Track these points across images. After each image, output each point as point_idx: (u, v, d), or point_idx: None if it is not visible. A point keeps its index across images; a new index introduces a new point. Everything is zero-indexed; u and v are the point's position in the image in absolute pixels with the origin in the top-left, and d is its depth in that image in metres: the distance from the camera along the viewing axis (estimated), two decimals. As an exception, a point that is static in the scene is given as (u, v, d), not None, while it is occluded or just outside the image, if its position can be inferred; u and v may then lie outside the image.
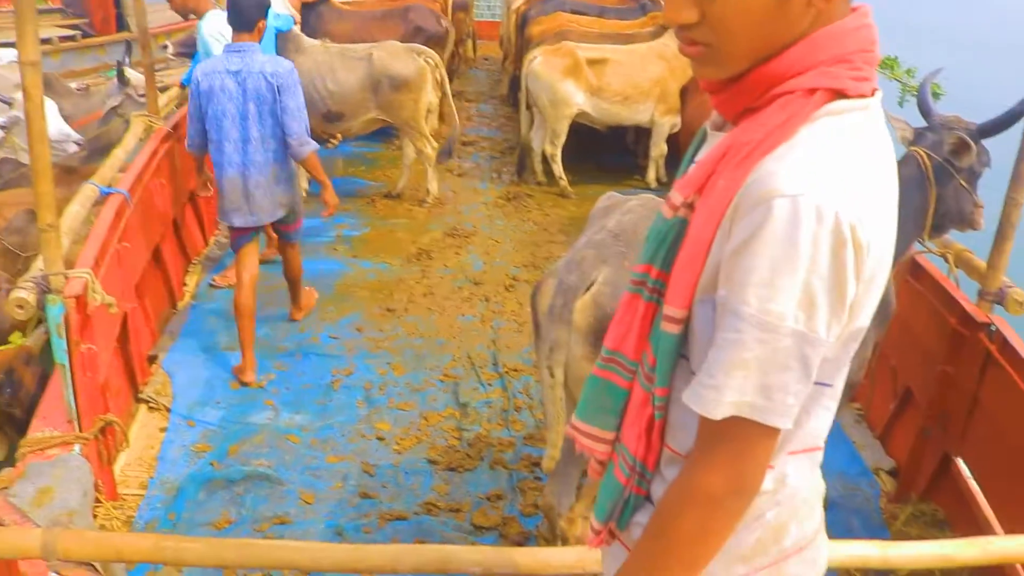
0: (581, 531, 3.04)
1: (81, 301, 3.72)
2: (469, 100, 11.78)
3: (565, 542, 3.10)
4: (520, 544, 3.79)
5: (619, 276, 2.87)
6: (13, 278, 4.49)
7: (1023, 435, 3.41)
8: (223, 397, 4.82)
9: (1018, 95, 3.52)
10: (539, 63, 7.92)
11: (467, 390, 4.96)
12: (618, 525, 1.55)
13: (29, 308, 3.63)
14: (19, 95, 6.61)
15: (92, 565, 2.68)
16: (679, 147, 8.02)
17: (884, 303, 3.36)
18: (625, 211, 3.11)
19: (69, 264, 3.83)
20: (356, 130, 7.85)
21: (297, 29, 7.41)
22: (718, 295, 1.27)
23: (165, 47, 7.65)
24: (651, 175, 8.45)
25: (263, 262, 5.79)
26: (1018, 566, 3.25)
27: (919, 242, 3.86)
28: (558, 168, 8.17)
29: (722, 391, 1.24)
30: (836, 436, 4.35)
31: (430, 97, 7.50)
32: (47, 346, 3.86)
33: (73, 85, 8.80)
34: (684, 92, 7.88)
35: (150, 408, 4.72)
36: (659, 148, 8.31)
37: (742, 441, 1.28)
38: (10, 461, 3.68)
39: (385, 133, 8.88)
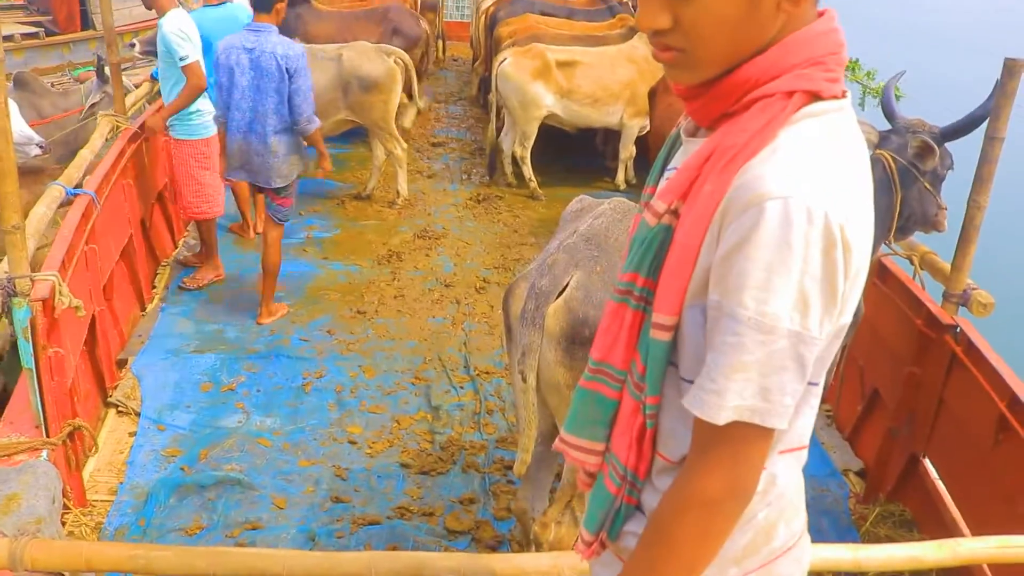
0: (554, 536, 3.04)
1: (48, 304, 3.67)
2: (438, 101, 11.75)
3: (539, 547, 3.11)
4: (493, 548, 3.80)
5: (591, 280, 2.88)
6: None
7: (988, 435, 3.46)
8: (193, 400, 4.77)
9: (975, 92, 3.58)
10: (509, 64, 7.92)
11: (439, 393, 4.95)
12: (609, 535, 1.55)
13: (-6, 312, 3.58)
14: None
15: (61, 575, 2.65)
16: (648, 149, 8.06)
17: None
18: (597, 215, 3.11)
19: (35, 267, 3.78)
20: (326, 131, 7.77)
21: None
22: (710, 300, 1.28)
23: (132, 45, 7.58)
24: (620, 177, 8.48)
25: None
26: (985, 566, 3.31)
27: (885, 244, 3.92)
28: (528, 170, 8.18)
29: (724, 395, 1.25)
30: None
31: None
32: (13, 351, 3.80)
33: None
34: (652, 94, 7.92)
35: (119, 412, 4.67)
36: (628, 150, 8.35)
37: (740, 444, 1.29)
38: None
39: (355, 134, 8.84)
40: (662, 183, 1.49)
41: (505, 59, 7.99)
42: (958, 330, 3.79)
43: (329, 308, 5.89)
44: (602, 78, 7.97)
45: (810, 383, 1.34)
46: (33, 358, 3.54)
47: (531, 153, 8.18)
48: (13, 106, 5.89)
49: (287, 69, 5.13)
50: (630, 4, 10.76)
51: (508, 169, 8.42)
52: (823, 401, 4.68)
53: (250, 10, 5.47)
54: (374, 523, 3.91)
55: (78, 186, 4.95)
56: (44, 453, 3.48)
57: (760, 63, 1.31)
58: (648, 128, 8.12)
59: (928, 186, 3.73)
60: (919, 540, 3.56)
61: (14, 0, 14.57)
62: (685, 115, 1.49)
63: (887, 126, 3.92)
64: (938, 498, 3.83)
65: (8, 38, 11.72)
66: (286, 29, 8.13)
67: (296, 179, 5.53)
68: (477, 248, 7.03)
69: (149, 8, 5.82)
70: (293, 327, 5.62)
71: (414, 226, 7.33)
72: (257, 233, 6.75)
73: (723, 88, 1.34)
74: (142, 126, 6.24)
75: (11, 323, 3.61)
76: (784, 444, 1.40)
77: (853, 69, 18.62)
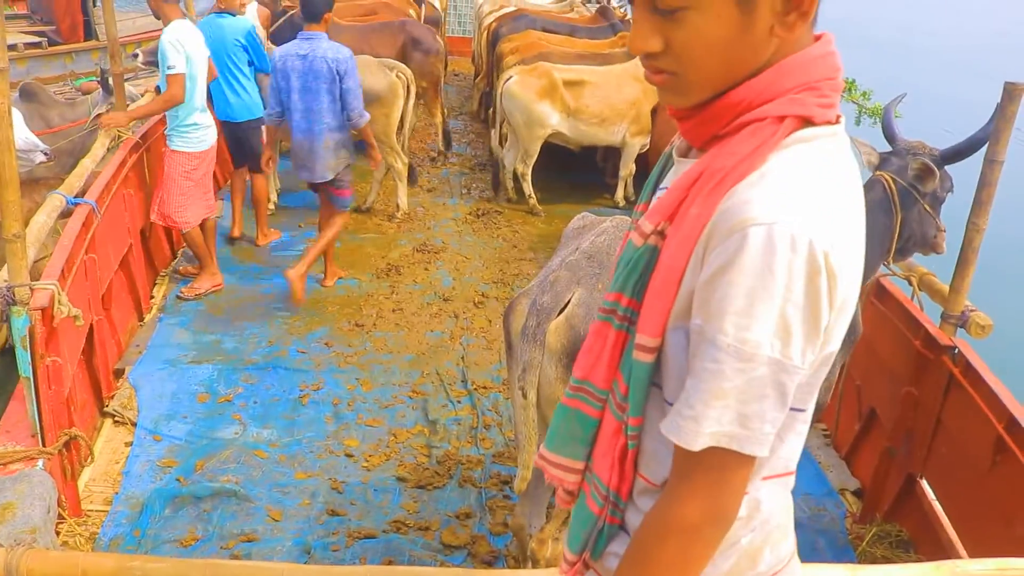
0: (551, 552, 3.04)
1: (47, 313, 3.67)
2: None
3: (536, 564, 3.10)
4: (489, 563, 3.78)
5: (592, 298, 2.88)
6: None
7: (985, 457, 3.46)
8: (190, 411, 4.76)
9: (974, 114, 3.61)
10: (515, 83, 7.94)
11: (436, 407, 4.95)
12: (592, 555, 1.54)
13: (-7, 320, 3.58)
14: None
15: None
16: (648, 166, 8.08)
17: (851, 326, 3.39)
18: (599, 232, 3.12)
19: (35, 276, 3.78)
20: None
21: (269, 43, 7.40)
22: (692, 323, 1.27)
23: (135, 56, 7.60)
24: (620, 194, 8.50)
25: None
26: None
27: (884, 265, 3.93)
28: (528, 186, 8.20)
29: (701, 422, 1.24)
30: (802, 457, 4.35)
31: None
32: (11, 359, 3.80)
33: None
34: (653, 112, 7.95)
35: (116, 422, 4.66)
36: (628, 168, 8.37)
37: (719, 471, 1.28)
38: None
39: (355, 147, 8.85)
40: (652, 203, 1.49)
41: (511, 77, 8.00)
42: (956, 351, 3.80)
43: (327, 320, 5.89)
44: (609, 97, 8.00)
45: (796, 409, 1.34)
46: (31, 367, 3.54)
47: (531, 169, 8.19)
48: (17, 114, 5.91)
49: (337, 71, 5.65)
50: (631, 22, 10.81)
51: (509, 184, 8.44)
52: (820, 420, 4.73)
53: (255, 22, 5.58)
54: (370, 537, 3.90)
55: (79, 195, 4.95)
56: (40, 462, 3.47)
57: (753, 86, 1.30)
58: (648, 145, 8.15)
59: (928, 208, 3.74)
60: (916, 561, 3.58)
61: (18, 10, 14.60)
62: (678, 135, 1.49)
63: (887, 147, 3.94)
64: (935, 519, 3.82)
65: (11, 47, 11.73)
66: (288, 37, 8.21)
67: (349, 170, 6.09)
68: (476, 263, 7.04)
69: (158, 18, 5.85)
70: (291, 338, 5.62)
71: (413, 240, 7.34)
72: (243, 235, 6.98)
73: (715, 110, 1.33)
74: (144, 135, 6.27)
75: (10, 332, 3.61)
76: (768, 470, 1.39)
77: (849, 89, 18.73)
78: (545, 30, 9.79)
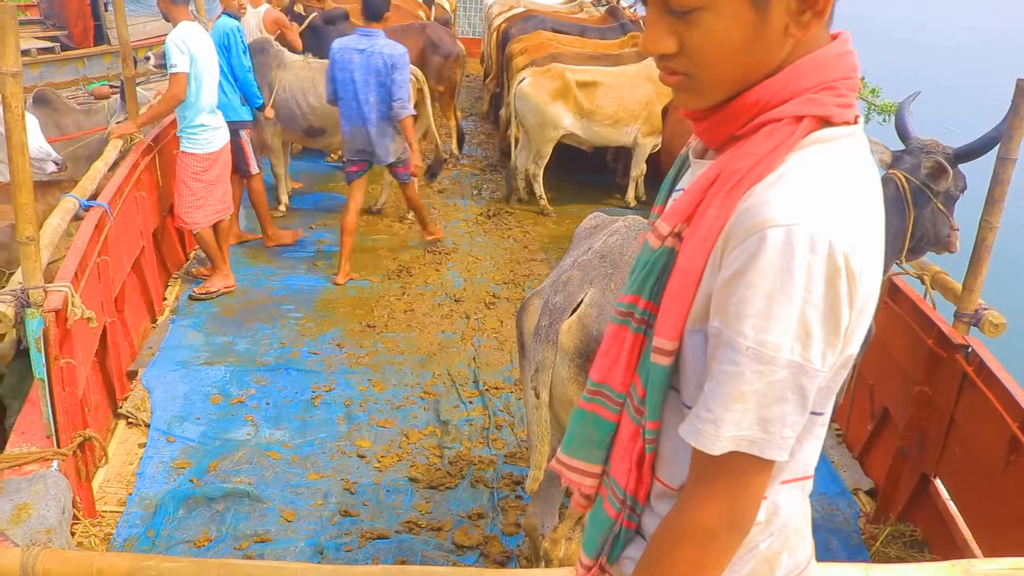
0: (565, 552, 3.04)
1: (61, 315, 3.69)
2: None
3: (548, 563, 3.10)
4: (502, 564, 3.79)
5: (605, 298, 2.88)
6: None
7: (999, 456, 3.45)
8: (203, 412, 4.78)
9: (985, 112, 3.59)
10: (528, 84, 7.93)
11: (448, 408, 4.95)
12: (608, 559, 1.53)
13: (7, 322, 3.59)
14: (-1, 110, 6.58)
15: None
16: (658, 166, 8.07)
17: None
18: (611, 232, 3.12)
19: (49, 277, 3.80)
20: (338, 145, 7.85)
21: (279, 45, 7.43)
22: (711, 326, 1.26)
23: (147, 58, 7.63)
24: (630, 194, 8.49)
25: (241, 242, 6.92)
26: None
27: (896, 263, 3.91)
28: (539, 187, 8.19)
29: (720, 425, 1.23)
30: (815, 456, 4.38)
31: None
32: (25, 361, 3.81)
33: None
34: (665, 112, 7.94)
35: (129, 424, 4.68)
36: (639, 168, 8.36)
37: (738, 475, 1.26)
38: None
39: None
40: (669, 204, 1.48)
41: (524, 79, 8.00)
42: (969, 350, 3.78)
43: (339, 322, 5.90)
44: (622, 98, 7.99)
45: (815, 413, 1.32)
46: (45, 368, 3.55)
47: (543, 170, 8.19)
48: (33, 121, 5.94)
49: (392, 65, 6.12)
50: (641, 22, 10.81)
51: (520, 185, 8.44)
52: (833, 420, 4.70)
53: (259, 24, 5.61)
54: (382, 537, 3.91)
55: (92, 198, 4.98)
56: (55, 463, 3.48)
57: (769, 86, 1.29)
58: (660, 146, 8.14)
59: (941, 206, 3.72)
60: (930, 561, 3.56)
61: (31, 15, 14.69)
62: (695, 135, 1.47)
63: (900, 145, 3.93)
64: (949, 519, 3.81)
65: (25, 52, 11.80)
66: (326, 44, 8.30)
67: (406, 150, 6.43)
68: (487, 263, 7.04)
69: (167, 20, 5.88)
70: (303, 340, 5.63)
71: (424, 241, 7.34)
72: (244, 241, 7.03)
73: (731, 111, 1.32)
74: (156, 138, 6.31)
75: (24, 333, 3.62)
76: (787, 474, 1.37)
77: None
78: (555, 31, 9.79)
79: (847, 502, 4.35)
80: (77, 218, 4.74)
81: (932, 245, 3.87)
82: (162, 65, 7.21)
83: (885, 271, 3.88)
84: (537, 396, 2.99)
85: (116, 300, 5.02)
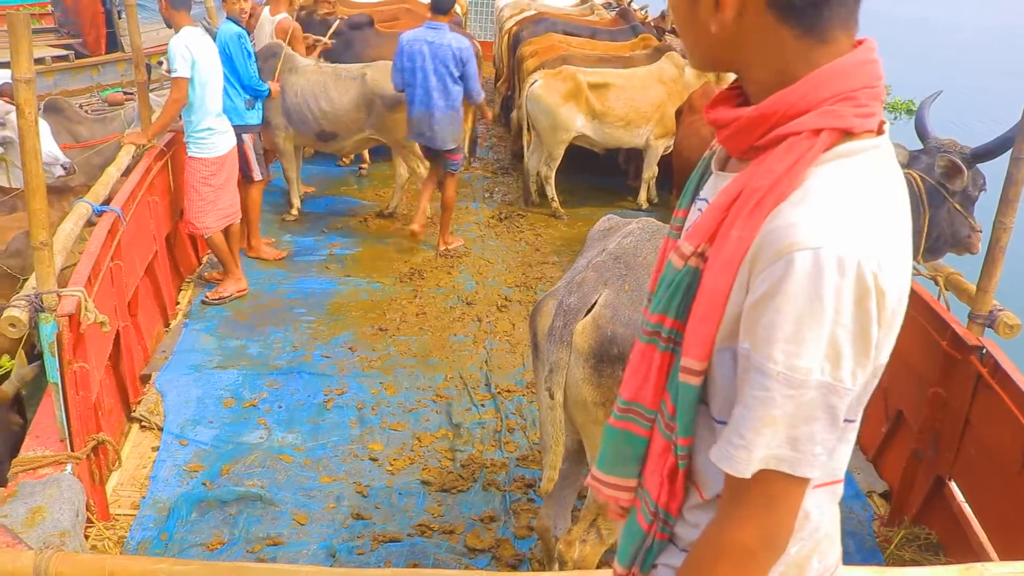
0: (579, 554, 3.03)
1: (74, 320, 3.71)
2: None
3: (563, 565, 3.09)
4: (514, 567, 3.78)
5: (619, 299, 2.87)
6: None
7: (1015, 458, 3.42)
8: (215, 416, 4.80)
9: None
10: (540, 87, 7.94)
11: (460, 411, 4.95)
12: (641, 569, 1.53)
13: (21, 327, 3.61)
14: (12, 115, 6.64)
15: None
16: (670, 168, 8.05)
17: None
18: (625, 234, 3.11)
19: (63, 283, 3.81)
20: (349, 149, 7.88)
21: (289, 50, 7.45)
22: (740, 347, 1.25)
23: (160, 63, 7.67)
24: (642, 196, 8.48)
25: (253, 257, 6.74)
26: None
27: (913, 264, 3.88)
28: (551, 189, 8.19)
29: (752, 450, 1.23)
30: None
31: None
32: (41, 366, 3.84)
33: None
34: (677, 114, 7.93)
35: (142, 427, 4.70)
36: (651, 170, 8.35)
37: (772, 493, 1.26)
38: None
39: (378, 152, 8.91)
40: (692, 215, 1.48)
41: (536, 81, 8.00)
42: (984, 351, 3.75)
43: (351, 325, 5.91)
44: (634, 100, 7.98)
45: (847, 420, 1.32)
46: (59, 373, 3.57)
47: (554, 172, 8.19)
48: (44, 125, 5.98)
49: (461, 58, 6.60)
50: (652, 24, 10.79)
51: (532, 188, 8.44)
52: (847, 422, 4.67)
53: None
54: (394, 540, 3.91)
55: (105, 203, 5.01)
56: (69, 467, 3.50)
57: (788, 96, 1.28)
58: (672, 147, 8.12)
59: (958, 206, 3.70)
60: (945, 564, 3.53)
61: (46, 23, 14.78)
62: (717, 142, 1.47)
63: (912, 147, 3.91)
64: (964, 522, 3.78)
65: (39, 61, 11.87)
66: (351, 50, 8.35)
67: (461, 138, 6.96)
68: (499, 266, 7.04)
69: (169, 27, 5.92)
70: (315, 343, 5.64)
71: (439, 250, 7.34)
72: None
73: (750, 120, 1.31)
74: (168, 143, 6.33)
75: (38, 338, 3.64)
76: (819, 479, 1.36)
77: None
78: (566, 33, 9.78)
79: (861, 504, 4.33)
80: (91, 223, 4.76)
81: (951, 246, 3.85)
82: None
83: None
84: (551, 397, 2.99)
85: (129, 304, 5.04)
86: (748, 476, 1.24)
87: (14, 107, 6.96)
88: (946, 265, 4.22)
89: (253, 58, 6.50)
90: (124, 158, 5.93)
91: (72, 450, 3.59)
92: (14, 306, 3.64)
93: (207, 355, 5.44)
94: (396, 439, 4.67)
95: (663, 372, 1.44)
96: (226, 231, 6.18)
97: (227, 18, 6.40)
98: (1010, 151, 3.58)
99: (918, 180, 3.67)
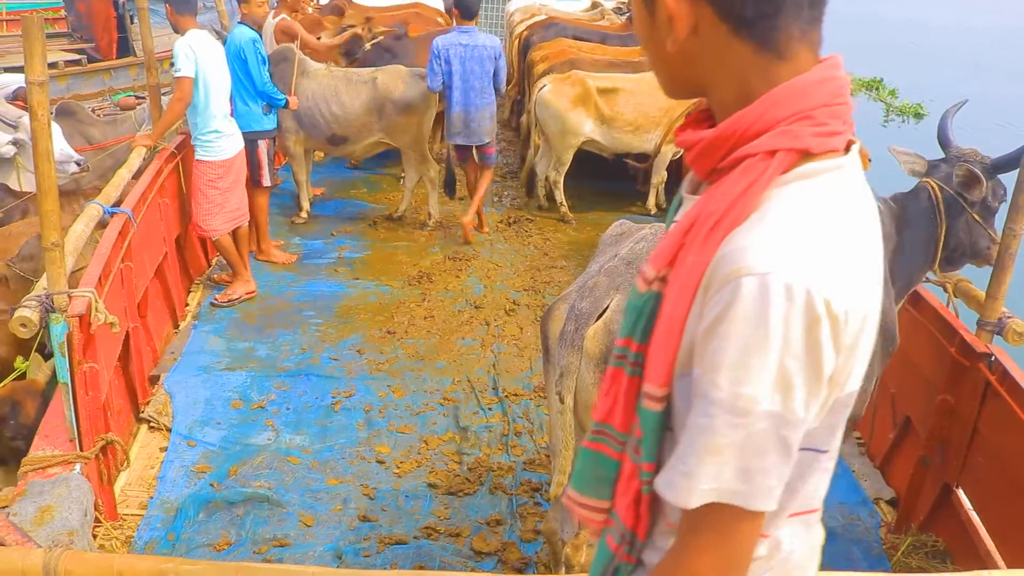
0: (586, 558, 3.03)
1: (84, 320, 3.73)
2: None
3: (569, 569, 3.09)
4: (520, 570, 3.79)
5: (629, 303, 2.88)
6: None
7: (1023, 466, 3.41)
8: (223, 417, 4.81)
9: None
10: (548, 91, 7.95)
11: (467, 414, 4.96)
12: None
13: (32, 327, 3.64)
14: (24, 118, 6.69)
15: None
16: (679, 173, 8.06)
17: (888, 336, 3.37)
18: (638, 239, 3.12)
19: (73, 284, 3.84)
20: (360, 153, 7.91)
21: (301, 54, 7.48)
22: (694, 373, 1.23)
23: (172, 66, 7.70)
24: (651, 201, 8.48)
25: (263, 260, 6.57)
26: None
27: (930, 274, 3.87)
28: (560, 194, 8.20)
29: (695, 479, 1.20)
30: (837, 466, 4.34)
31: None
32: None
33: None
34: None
35: (151, 428, 4.72)
36: (660, 175, 8.35)
37: (726, 526, 1.24)
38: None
39: (388, 156, 8.93)
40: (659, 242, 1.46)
41: (544, 86, 8.02)
42: (992, 359, 3.74)
43: (359, 328, 5.93)
44: (643, 104, 7.98)
45: (814, 450, 1.29)
46: (69, 373, 3.59)
47: (563, 177, 8.20)
48: (56, 127, 6.01)
49: (495, 56, 7.07)
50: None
51: (541, 192, 8.45)
52: (854, 429, 4.66)
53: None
54: (401, 543, 3.92)
55: (116, 205, 5.03)
56: (77, 467, 3.53)
57: (745, 117, 1.24)
58: (680, 153, 8.12)
59: (977, 217, 3.67)
60: (952, 572, 3.53)
61: (59, 28, 14.86)
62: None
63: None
64: (972, 529, 3.76)
65: (52, 65, 11.93)
66: (384, 57, 8.43)
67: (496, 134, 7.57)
68: (507, 270, 7.05)
69: (176, 31, 5.95)
70: (323, 346, 5.66)
71: (445, 248, 7.37)
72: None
73: (710, 142, 1.29)
74: (179, 145, 6.37)
75: (48, 338, 3.67)
76: (792, 508, 1.34)
77: (877, 88, 18.53)
78: (576, 38, 9.80)
79: (868, 512, 4.32)
80: (101, 225, 4.79)
81: (970, 257, 3.81)
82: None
83: (916, 282, 3.83)
84: (561, 401, 2.99)
85: (139, 306, 5.07)
86: (691, 506, 1.22)
87: (27, 111, 7.05)
88: (955, 271, 4.21)
89: (267, 64, 6.52)
90: (135, 160, 5.96)
91: (81, 450, 3.61)
92: (25, 306, 3.66)
93: (216, 357, 5.46)
94: (403, 442, 4.68)
95: (631, 396, 1.41)
96: (234, 233, 6.21)
97: (240, 22, 6.41)
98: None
99: (936, 190, 3.64)
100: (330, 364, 5.45)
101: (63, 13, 15.00)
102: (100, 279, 4.13)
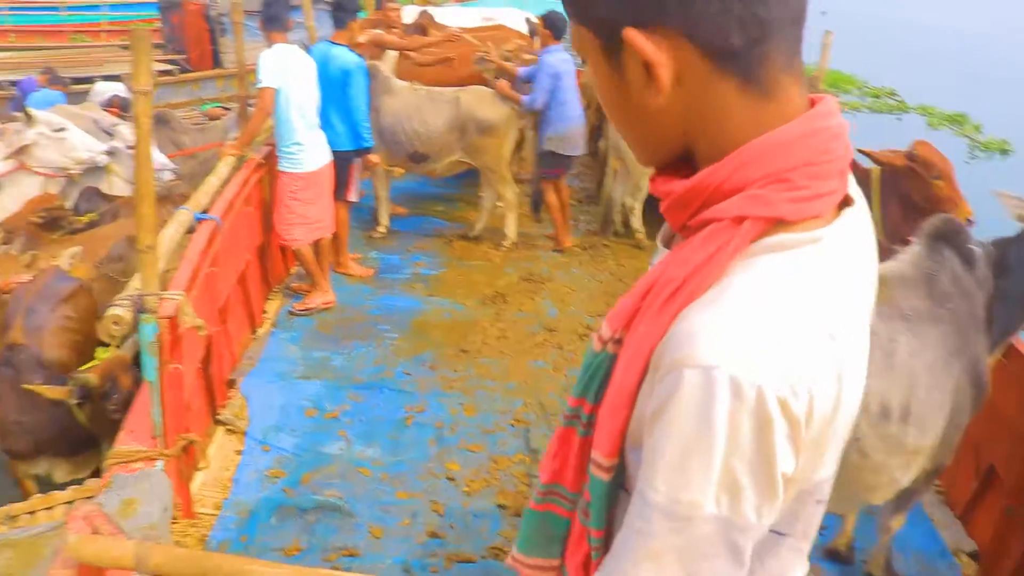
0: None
1: (173, 322, 3.82)
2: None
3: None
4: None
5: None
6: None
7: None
8: (298, 424, 4.88)
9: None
10: (628, 116, 7.94)
11: (537, 436, 4.94)
12: None
13: (124, 325, 3.75)
14: (120, 126, 6.91)
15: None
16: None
17: (978, 385, 3.27)
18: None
19: (162, 286, 3.94)
20: (440, 171, 7.97)
21: (386, 71, 7.59)
22: (643, 455, 1.09)
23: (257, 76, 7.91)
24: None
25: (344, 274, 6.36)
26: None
27: None
28: (637, 221, 8.16)
29: None
30: (915, 514, 4.21)
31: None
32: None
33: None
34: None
35: (227, 430, 4.80)
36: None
37: None
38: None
39: (465, 175, 8.99)
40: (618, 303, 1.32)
41: (625, 111, 8.01)
42: None
43: (433, 344, 5.97)
44: None
45: (777, 533, 1.16)
46: (156, 372, 3.68)
47: (640, 204, 8.17)
48: (151, 135, 6.21)
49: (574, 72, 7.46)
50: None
51: (617, 218, 8.43)
52: (937, 478, 4.51)
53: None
54: (468, 561, 3.92)
55: (204, 211, 5.16)
56: (160, 463, 3.60)
57: (718, 172, 1.09)
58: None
59: None
60: (1039, 629, 3.39)
61: (153, 39, 15.39)
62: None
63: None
64: (1060, 586, 3.63)
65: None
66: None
67: None
68: (581, 295, 7.04)
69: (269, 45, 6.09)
70: (397, 360, 5.70)
71: (520, 269, 7.38)
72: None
73: (680, 197, 1.15)
74: (266, 156, 6.51)
75: (139, 337, 3.77)
76: None
77: (961, 123, 18.00)
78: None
79: (947, 564, 4.18)
80: (190, 230, 4.91)
81: None
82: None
83: (1014, 330, 3.68)
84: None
85: (221, 310, 5.18)
86: None
87: (122, 120, 7.28)
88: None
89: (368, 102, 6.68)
90: (224, 168, 6.10)
91: (164, 447, 3.69)
92: (118, 305, 3.78)
93: (292, 364, 5.54)
94: (473, 460, 4.69)
95: (583, 458, 1.29)
96: (316, 244, 6.31)
97: (339, 44, 6.44)
98: None
99: None
100: (403, 379, 5.49)
101: (158, 24, 15.52)
102: (188, 283, 4.23)
